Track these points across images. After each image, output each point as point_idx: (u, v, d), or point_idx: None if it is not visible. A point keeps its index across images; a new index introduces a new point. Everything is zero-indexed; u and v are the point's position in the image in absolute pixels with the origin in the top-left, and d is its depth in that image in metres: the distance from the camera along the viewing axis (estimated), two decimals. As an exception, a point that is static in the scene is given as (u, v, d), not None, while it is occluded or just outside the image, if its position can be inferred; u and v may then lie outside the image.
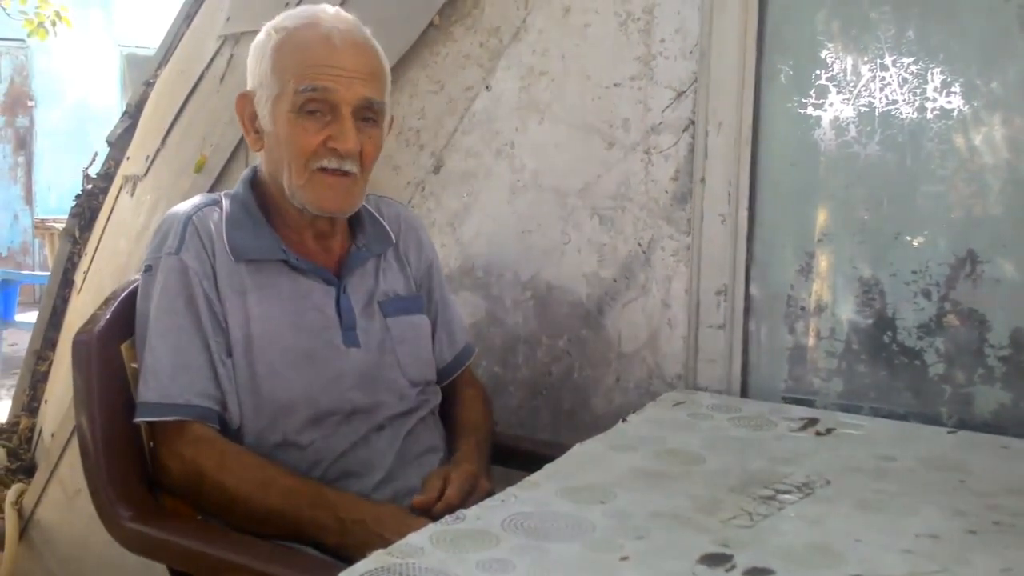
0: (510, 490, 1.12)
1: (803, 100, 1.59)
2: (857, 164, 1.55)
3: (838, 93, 1.56)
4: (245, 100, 1.41)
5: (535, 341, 1.82)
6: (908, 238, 1.51)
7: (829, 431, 1.37)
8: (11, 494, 2.64)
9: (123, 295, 1.43)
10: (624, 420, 1.41)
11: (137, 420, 1.31)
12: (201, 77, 2.62)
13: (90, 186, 3.35)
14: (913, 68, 1.50)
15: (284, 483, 1.27)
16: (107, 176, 3.26)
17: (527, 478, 1.16)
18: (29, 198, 8.72)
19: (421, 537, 0.98)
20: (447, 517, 1.05)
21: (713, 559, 0.93)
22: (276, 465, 1.30)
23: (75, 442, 1.81)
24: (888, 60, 1.52)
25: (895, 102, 1.52)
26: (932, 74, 1.49)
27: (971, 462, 1.23)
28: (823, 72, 1.57)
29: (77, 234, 3.28)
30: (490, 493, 1.24)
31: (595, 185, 1.76)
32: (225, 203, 1.42)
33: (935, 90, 1.49)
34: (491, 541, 0.98)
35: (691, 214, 1.66)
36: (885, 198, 1.53)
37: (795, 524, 1.02)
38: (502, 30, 1.87)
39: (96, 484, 1.30)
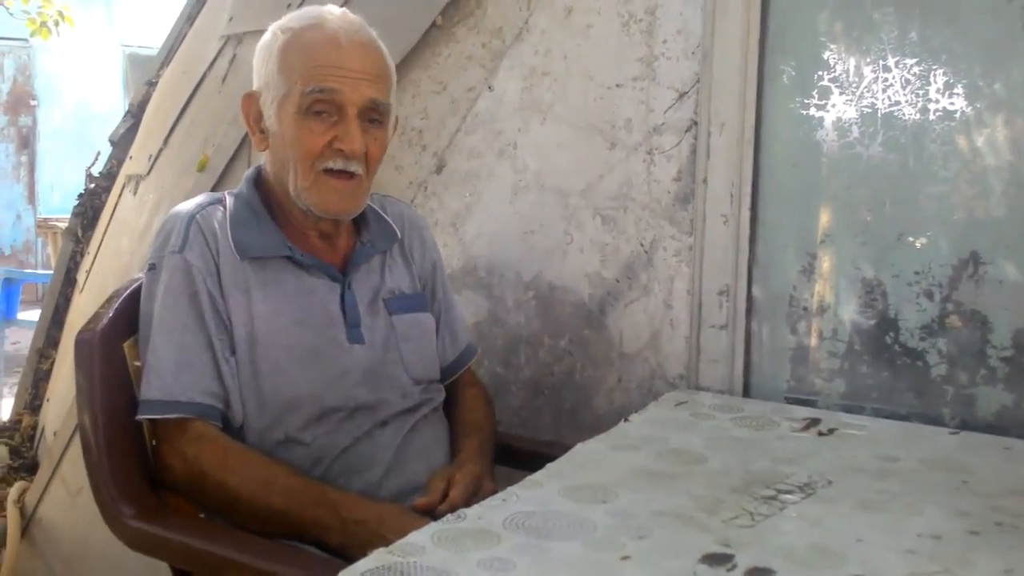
0: (511, 489, 1.12)
1: (805, 101, 1.59)
2: (859, 165, 1.55)
3: (841, 94, 1.56)
4: (251, 100, 1.41)
5: (537, 341, 1.83)
6: (911, 239, 1.51)
7: (831, 431, 1.37)
8: (13, 492, 2.64)
9: (126, 294, 1.44)
10: (626, 420, 1.41)
11: (140, 418, 1.32)
12: (203, 77, 2.62)
13: (93, 185, 3.35)
14: (916, 69, 1.50)
15: (286, 482, 1.27)
16: (110, 175, 3.27)
17: (529, 477, 1.17)
18: (32, 197, 8.73)
19: (422, 536, 0.98)
20: (449, 516, 1.05)
21: (714, 559, 0.93)
22: (279, 463, 1.30)
23: (77, 440, 1.81)
24: (891, 61, 1.52)
25: (898, 103, 1.52)
26: (935, 75, 1.49)
27: (973, 463, 1.23)
28: (826, 73, 1.57)
29: (80, 233, 3.28)
30: (494, 493, 1.24)
31: (597, 185, 1.76)
32: (229, 201, 1.42)
33: (938, 91, 1.49)
34: (492, 540, 0.98)
35: (693, 214, 1.67)
36: (888, 199, 1.53)
37: (796, 524, 1.02)
38: (504, 31, 1.87)
39: (98, 482, 1.30)
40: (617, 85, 1.74)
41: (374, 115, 1.37)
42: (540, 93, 1.82)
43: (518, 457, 1.53)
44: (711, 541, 0.97)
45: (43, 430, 2.93)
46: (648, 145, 1.71)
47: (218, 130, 2.39)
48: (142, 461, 1.34)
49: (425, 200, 1.95)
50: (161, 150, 2.70)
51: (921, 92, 1.50)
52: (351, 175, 1.36)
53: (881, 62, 1.52)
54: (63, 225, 4.06)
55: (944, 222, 1.49)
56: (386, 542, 0.98)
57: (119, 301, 1.42)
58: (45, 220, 8.08)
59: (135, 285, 1.43)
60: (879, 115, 1.53)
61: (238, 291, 1.35)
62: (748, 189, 1.62)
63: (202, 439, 1.29)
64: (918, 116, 1.50)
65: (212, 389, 1.31)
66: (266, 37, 1.41)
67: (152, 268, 1.37)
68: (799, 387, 1.61)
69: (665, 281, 1.70)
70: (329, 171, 1.35)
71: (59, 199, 8.29)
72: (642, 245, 1.72)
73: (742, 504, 1.07)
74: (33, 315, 3.83)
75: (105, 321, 1.38)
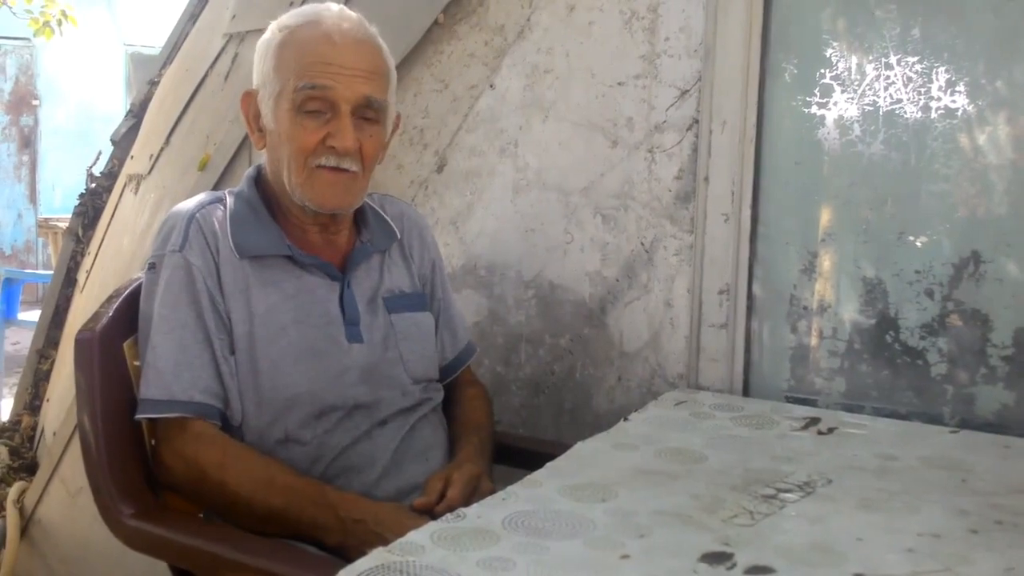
0: (511, 488, 1.12)
1: (807, 99, 1.58)
2: (861, 163, 1.54)
3: (842, 92, 1.56)
4: (249, 98, 1.42)
5: (537, 340, 1.82)
6: (911, 238, 1.51)
7: (831, 430, 1.36)
8: (13, 492, 2.64)
9: (125, 293, 1.43)
10: (626, 419, 1.40)
11: (139, 417, 1.32)
12: (206, 76, 2.62)
13: (94, 185, 3.35)
14: (918, 67, 1.50)
15: (285, 482, 1.27)
16: (111, 175, 3.27)
17: (528, 476, 1.16)
18: (33, 197, 8.73)
19: (422, 535, 0.98)
20: (448, 515, 1.05)
21: (714, 557, 0.93)
22: (278, 463, 1.30)
23: (77, 440, 1.81)
24: (893, 59, 1.52)
25: (899, 101, 1.51)
26: (937, 73, 1.48)
27: (973, 462, 1.23)
28: (827, 71, 1.57)
29: (80, 233, 3.28)
30: (492, 493, 1.24)
31: (598, 184, 1.76)
32: (229, 200, 1.42)
33: (940, 89, 1.48)
34: (492, 539, 0.98)
35: (694, 213, 1.66)
36: (889, 197, 1.53)
37: (796, 523, 1.02)
38: (506, 28, 1.87)
39: (98, 482, 1.30)
40: (619, 83, 1.74)
41: (369, 112, 1.37)
42: (542, 91, 1.82)
43: (518, 456, 1.52)
44: (711, 540, 0.97)
45: (43, 430, 2.93)
46: (649, 143, 1.71)
47: (220, 128, 2.39)
48: (141, 461, 1.34)
49: (426, 199, 1.94)
50: (162, 149, 2.70)
51: (923, 90, 1.49)
52: (344, 170, 1.36)
53: (883, 60, 1.52)
54: (64, 225, 4.06)
55: (945, 221, 1.48)
56: (384, 541, 0.97)
57: (119, 301, 1.42)
58: (46, 220, 8.08)
59: (135, 285, 1.43)
60: (881, 113, 1.53)
61: (238, 290, 1.35)
62: (749, 187, 1.62)
63: (201, 438, 1.29)
64: (920, 114, 1.50)
65: (212, 388, 1.31)
66: (265, 35, 1.41)
67: (152, 267, 1.37)
68: (799, 386, 1.60)
69: (666, 280, 1.69)
70: (322, 167, 1.35)
71: (60, 199, 8.29)
72: (643, 244, 1.72)
73: (742, 503, 1.07)
74: (33, 315, 3.83)
75: (105, 321, 1.38)
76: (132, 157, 3.02)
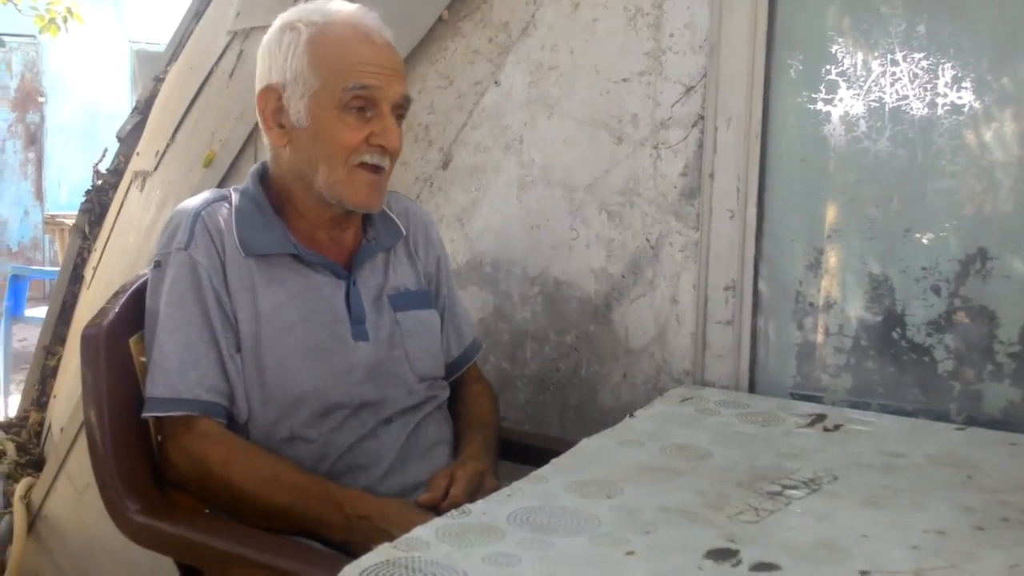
0: (516, 484, 1.12)
1: (813, 95, 1.58)
2: (867, 160, 1.54)
3: (848, 88, 1.55)
4: (270, 94, 1.39)
5: (543, 337, 1.82)
6: (918, 235, 1.51)
7: (837, 427, 1.36)
8: (20, 488, 2.65)
9: (132, 289, 1.44)
10: (631, 415, 1.40)
11: (145, 416, 1.32)
12: (210, 73, 2.62)
13: (100, 182, 3.36)
14: (924, 63, 1.49)
15: (290, 479, 1.27)
16: (117, 172, 3.27)
17: (534, 472, 1.16)
18: (39, 194, 8.75)
19: (427, 531, 0.98)
20: (452, 511, 1.05)
21: (719, 554, 0.93)
22: (283, 460, 1.30)
23: (84, 437, 1.82)
24: (899, 55, 1.51)
25: (905, 97, 1.51)
26: (943, 69, 1.48)
27: (979, 459, 1.23)
28: (833, 67, 1.56)
29: (87, 229, 3.29)
30: (497, 490, 1.24)
31: (603, 180, 1.76)
32: (234, 198, 1.42)
33: (946, 85, 1.48)
34: (497, 535, 0.98)
35: (700, 209, 1.66)
36: (895, 194, 1.52)
37: (802, 520, 1.02)
38: (511, 25, 1.86)
39: (104, 478, 1.30)
40: (624, 79, 1.73)
41: (400, 111, 1.40)
42: (547, 88, 1.82)
43: (523, 453, 1.53)
44: (716, 536, 0.97)
45: (50, 426, 2.93)
46: (655, 140, 1.71)
47: (225, 125, 2.39)
48: (148, 457, 1.35)
49: (431, 195, 1.94)
50: (168, 146, 2.71)
51: (929, 86, 1.49)
52: (379, 169, 1.38)
53: (889, 56, 1.52)
54: (70, 222, 4.07)
55: (952, 217, 1.48)
56: (389, 537, 0.98)
57: (125, 297, 1.43)
58: (52, 217, 8.10)
59: (141, 281, 1.43)
60: (887, 109, 1.52)
61: (243, 288, 1.35)
62: (755, 184, 1.61)
63: (207, 436, 1.30)
64: (926, 110, 1.49)
65: (217, 386, 1.31)
66: (281, 32, 1.39)
67: (158, 265, 1.37)
68: (805, 383, 1.60)
69: (671, 277, 1.69)
70: (363, 165, 1.36)
71: (67, 196, 8.31)
72: (648, 240, 1.71)
73: (747, 500, 1.07)
74: (40, 312, 3.84)
75: (111, 317, 1.38)
76: (138, 154, 3.02)
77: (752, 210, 1.62)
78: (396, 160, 1.41)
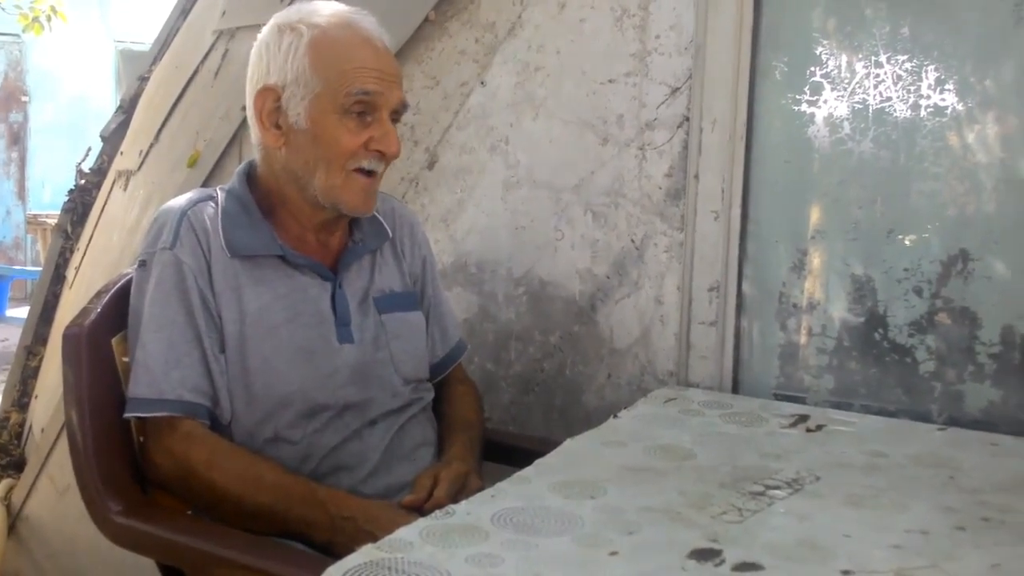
0: (500, 485, 1.12)
1: (797, 97, 1.58)
2: (851, 161, 1.55)
3: (832, 90, 1.56)
4: (268, 95, 1.37)
5: (528, 337, 1.82)
6: (900, 236, 1.51)
7: (819, 428, 1.37)
8: (0, 489, 2.63)
9: (114, 289, 1.43)
10: (615, 416, 1.41)
11: (128, 416, 1.31)
12: (196, 72, 2.61)
13: (83, 181, 3.34)
14: (907, 65, 1.50)
15: (274, 480, 1.27)
16: (100, 171, 3.25)
17: (517, 473, 1.16)
18: (22, 193, 8.70)
19: (410, 532, 0.98)
20: (436, 512, 1.05)
21: (702, 554, 0.93)
22: (266, 461, 1.30)
23: (65, 437, 1.80)
24: (883, 57, 1.52)
25: (889, 99, 1.52)
26: (926, 71, 1.49)
27: (961, 459, 1.23)
28: (818, 69, 1.57)
29: (69, 229, 3.27)
30: (481, 491, 1.24)
31: (589, 181, 1.76)
32: (220, 197, 1.41)
33: (929, 87, 1.49)
34: (480, 536, 0.98)
35: (684, 210, 1.66)
36: (878, 196, 1.53)
37: (784, 519, 1.02)
38: (497, 25, 1.86)
39: (85, 479, 1.29)
40: (610, 80, 1.74)
41: (397, 116, 1.40)
42: (533, 88, 1.82)
43: (508, 453, 1.52)
44: (699, 536, 0.97)
45: (31, 427, 2.91)
46: (640, 141, 1.71)
47: (210, 125, 2.38)
48: (129, 458, 1.34)
49: (416, 196, 1.94)
50: (152, 145, 2.69)
51: (912, 88, 1.50)
52: (375, 173, 1.38)
53: (873, 58, 1.52)
54: (53, 221, 4.04)
55: (934, 219, 1.49)
56: (373, 539, 0.97)
57: (108, 296, 1.42)
58: (35, 216, 8.05)
59: (124, 280, 1.42)
60: (870, 111, 1.53)
61: (229, 289, 1.35)
62: (739, 185, 1.62)
63: (190, 437, 1.29)
64: (909, 112, 1.50)
65: (201, 387, 1.31)
66: (277, 32, 1.37)
67: (143, 265, 1.36)
68: (788, 383, 1.61)
69: (656, 277, 1.69)
70: (360, 170, 1.36)
71: (50, 195, 8.26)
72: (633, 241, 1.72)
73: (730, 500, 1.07)
74: (22, 312, 3.82)
75: (93, 316, 1.37)
76: (122, 153, 3.00)
77: (736, 211, 1.62)
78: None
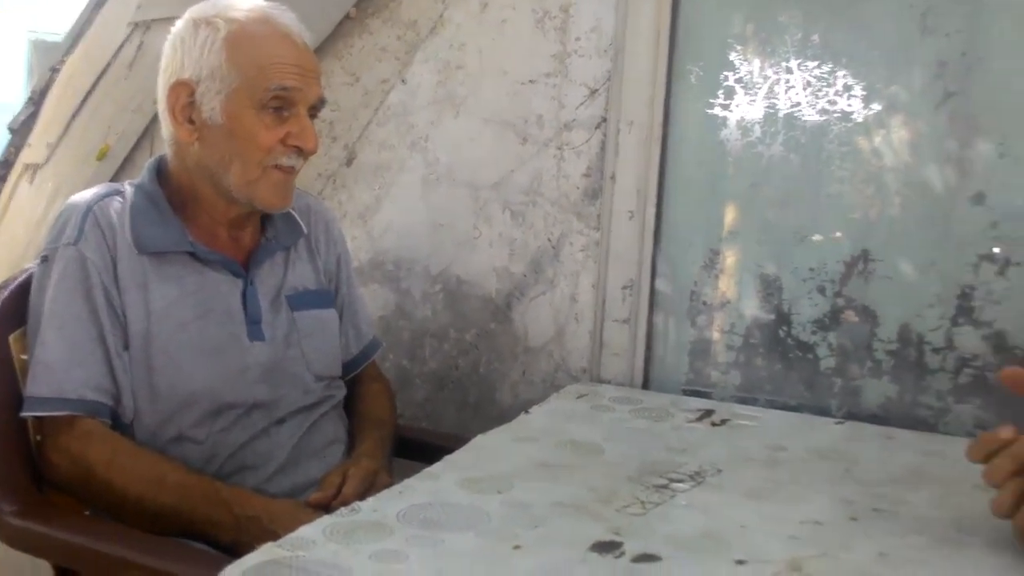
0: (408, 481, 1.11)
1: (711, 101, 1.61)
2: (761, 164, 1.58)
3: (745, 94, 1.59)
4: (182, 89, 1.33)
5: (443, 334, 1.82)
6: (807, 237, 1.55)
7: (724, 422, 1.39)
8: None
9: (14, 285, 1.38)
10: (527, 412, 1.41)
11: (27, 415, 1.27)
12: (109, 64, 2.55)
13: (-10, 174, 3.22)
14: (817, 72, 1.54)
15: (177, 479, 1.24)
16: (6, 164, 3.14)
17: (426, 469, 1.16)
18: (-69, 187, 8.36)
19: (313, 529, 0.97)
20: (342, 509, 1.04)
21: (604, 546, 0.94)
22: (169, 461, 1.27)
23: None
24: (793, 63, 1.56)
25: (798, 104, 1.55)
26: (835, 77, 1.53)
27: (857, 452, 1.27)
28: (731, 74, 1.60)
29: (-24, 223, 3.15)
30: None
31: (508, 180, 1.76)
32: (129, 192, 1.37)
33: (837, 93, 1.53)
34: (385, 532, 0.97)
35: (601, 210, 1.68)
36: (787, 198, 1.57)
37: (685, 512, 1.04)
38: (419, 23, 1.86)
39: (-22, 479, 1.25)
40: (530, 81, 1.74)
41: (315, 112, 1.38)
42: (454, 87, 1.82)
43: (421, 450, 1.52)
44: (602, 529, 0.98)
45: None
46: (559, 141, 1.72)
47: (122, 118, 2.33)
48: (25, 457, 1.29)
49: (334, 192, 1.92)
50: (61, 138, 2.62)
51: (821, 94, 1.54)
52: (293, 170, 1.36)
53: (784, 64, 1.56)
54: (-39, 215, 3.88)
55: (839, 220, 1.53)
56: (278, 538, 0.96)
57: (7, 292, 1.37)
58: (-55, 211, 7.73)
59: (24, 276, 1.38)
60: (780, 116, 1.57)
61: (135, 286, 1.31)
62: (654, 186, 1.64)
63: (90, 436, 1.25)
64: (818, 117, 1.54)
65: (103, 385, 1.27)
66: (192, 26, 1.34)
67: (44, 260, 1.32)
68: (697, 379, 1.64)
69: (571, 276, 1.71)
70: (278, 166, 1.34)
71: (-39, 190, 7.95)
72: (550, 240, 1.73)
73: (635, 493, 1.09)
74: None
75: (-10, 312, 1.32)
76: (29, 145, 2.91)
77: (651, 211, 1.64)
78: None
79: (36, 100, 3.11)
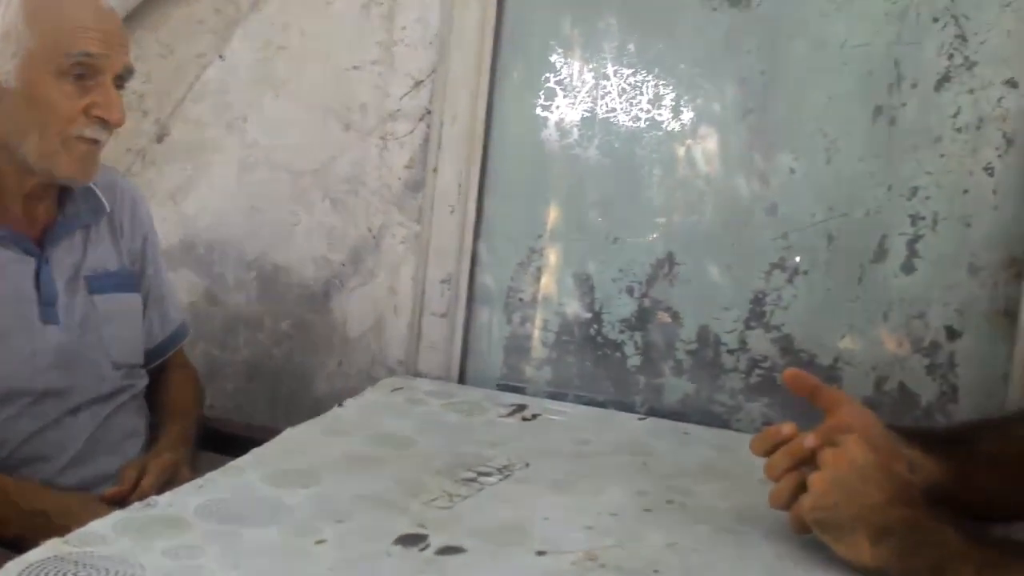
0: (211, 475, 1.09)
1: (533, 101, 1.65)
2: (578, 166, 1.63)
3: (564, 97, 1.64)
4: None
5: (257, 323, 1.78)
6: (618, 238, 1.62)
7: (535, 417, 1.44)
8: None
9: None
10: (340, 405, 1.40)
11: None
12: None
13: None
14: (631, 79, 1.60)
15: None
16: None
17: (230, 463, 1.13)
18: None
19: (103, 525, 0.93)
20: (136, 503, 1.00)
21: (408, 539, 0.95)
22: (-53, 453, 1.18)
23: None
24: (610, 70, 1.61)
25: (614, 110, 1.62)
26: (647, 86, 1.60)
27: (655, 446, 1.34)
28: (552, 75, 1.64)
29: None
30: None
31: (329, 167, 1.74)
32: None
33: (649, 102, 1.60)
34: (182, 527, 0.94)
35: (423, 203, 1.69)
36: (602, 200, 1.63)
37: (491, 504, 1.06)
38: (240, -2, 1.79)
39: None
40: (355, 67, 1.72)
41: (121, 82, 1.30)
42: (275, 68, 1.77)
43: (229, 444, 1.46)
44: (408, 523, 0.99)
45: None
46: (382, 130, 1.71)
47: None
48: None
49: (143, 169, 1.83)
50: None
51: (634, 101, 1.60)
52: (97, 142, 1.28)
53: (602, 70, 1.62)
54: None
55: (648, 224, 1.60)
56: (67, 533, 0.91)
57: None
58: None
59: None
60: (597, 120, 1.62)
61: None
62: (475, 181, 1.66)
63: None
64: (631, 123, 1.61)
65: None
66: None
67: None
68: (511, 375, 1.68)
69: (391, 267, 1.71)
70: (80, 138, 1.25)
71: None
72: (370, 230, 1.72)
73: (443, 486, 1.10)
74: None
75: None
76: None
77: (472, 206, 1.66)
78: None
79: None
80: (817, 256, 1.53)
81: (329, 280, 1.74)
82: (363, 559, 0.91)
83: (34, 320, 1.27)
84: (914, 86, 1.47)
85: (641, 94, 1.60)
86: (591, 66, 1.62)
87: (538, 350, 1.66)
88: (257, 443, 1.21)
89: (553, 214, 1.66)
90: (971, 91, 1.45)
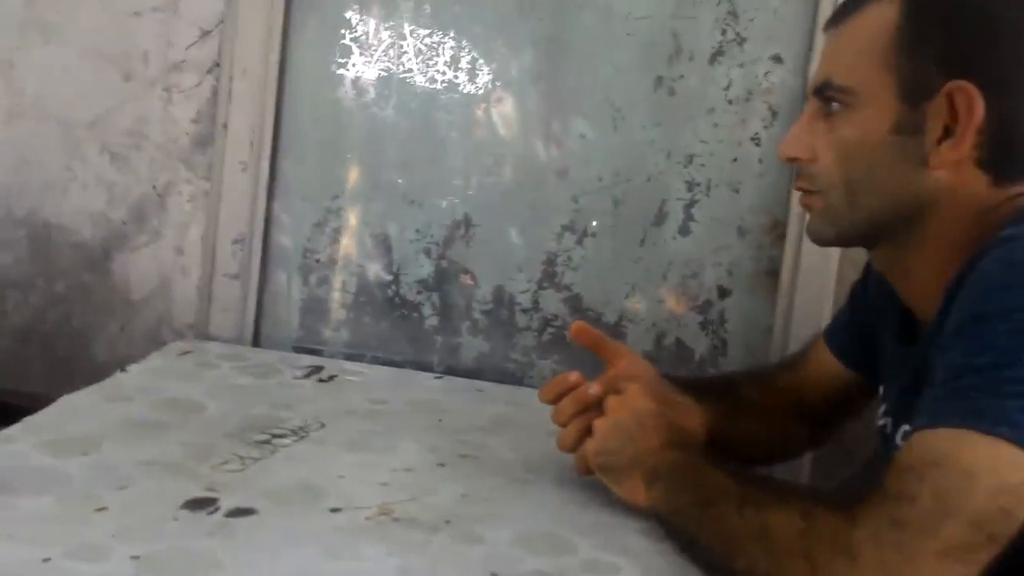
0: (-25, 447, 1.01)
1: (328, 57, 1.62)
2: (375, 126, 1.62)
3: (361, 55, 1.62)
4: None
5: (28, 285, 1.65)
6: (416, 200, 1.63)
7: (331, 378, 1.43)
8: None
9: None
10: (123, 370, 1.33)
11: None
12: None
13: None
14: (428, 40, 1.61)
15: None
16: None
17: (1, 432, 1.05)
18: None
19: None
20: None
21: (197, 503, 0.93)
22: None
23: None
24: (407, 30, 1.61)
25: (411, 71, 1.61)
26: (444, 48, 1.60)
27: (450, 403, 1.37)
28: (348, 32, 1.61)
29: None
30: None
31: (107, 119, 1.63)
32: None
33: (446, 63, 1.61)
34: (-58, 503, 0.87)
35: (212, 159, 1.62)
36: (400, 161, 1.63)
37: (285, 465, 1.05)
38: (2, -71, 1.64)
39: None
40: (135, 13, 1.62)
41: None
42: (44, 10, 1.63)
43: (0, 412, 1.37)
44: (196, 487, 0.96)
45: None
46: (166, 82, 1.62)
47: None
48: None
49: None
50: None
51: (431, 62, 1.61)
52: None
53: (399, 29, 1.61)
54: None
55: (445, 186, 1.62)
56: None
57: None
58: None
59: None
60: (394, 80, 1.61)
61: None
62: (268, 138, 1.61)
63: None
64: (427, 85, 1.61)
65: None
66: None
67: None
68: (307, 337, 1.65)
69: (178, 227, 1.63)
70: None
71: None
72: (155, 188, 1.63)
73: (234, 450, 1.08)
74: None
75: None
76: None
77: (265, 164, 1.61)
78: None
79: None
80: (604, 219, 1.60)
81: (109, 239, 1.64)
82: (148, 524, 0.88)
83: None
84: (691, 59, 1.57)
85: (438, 55, 1.61)
86: (388, 24, 1.61)
87: (336, 311, 1.65)
88: (31, 411, 1.14)
89: (351, 174, 1.64)
90: (741, 65, 1.56)
